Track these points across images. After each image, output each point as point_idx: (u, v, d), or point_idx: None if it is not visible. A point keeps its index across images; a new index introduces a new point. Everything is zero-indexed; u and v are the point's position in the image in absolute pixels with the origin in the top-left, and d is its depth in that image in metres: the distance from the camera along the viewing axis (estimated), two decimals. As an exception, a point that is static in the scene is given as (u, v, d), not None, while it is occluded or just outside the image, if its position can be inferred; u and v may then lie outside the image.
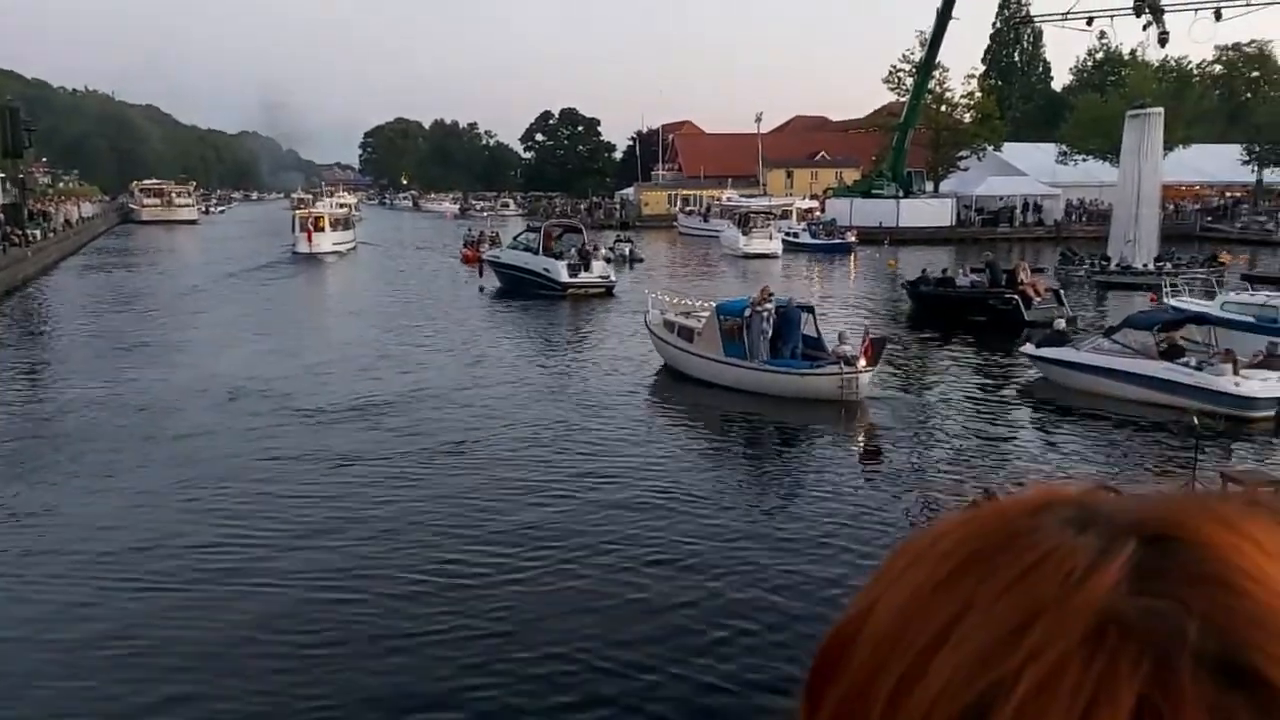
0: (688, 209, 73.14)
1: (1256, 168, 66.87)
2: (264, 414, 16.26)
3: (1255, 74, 76.82)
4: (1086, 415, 16.25)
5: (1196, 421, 11.21)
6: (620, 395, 18.16)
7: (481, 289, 35.03)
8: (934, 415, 16.91)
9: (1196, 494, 0.40)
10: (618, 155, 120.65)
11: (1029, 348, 19.07)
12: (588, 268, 32.98)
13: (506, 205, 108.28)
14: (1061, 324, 19.99)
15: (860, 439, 15.59)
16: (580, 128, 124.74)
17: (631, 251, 46.53)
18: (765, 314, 17.76)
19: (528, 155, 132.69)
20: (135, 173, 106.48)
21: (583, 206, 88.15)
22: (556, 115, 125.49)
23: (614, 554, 10.12)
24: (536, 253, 33.64)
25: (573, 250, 33.74)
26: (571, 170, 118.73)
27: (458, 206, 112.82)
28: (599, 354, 22.60)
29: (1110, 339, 17.70)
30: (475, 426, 15.49)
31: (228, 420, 15.92)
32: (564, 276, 32.23)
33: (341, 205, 67.51)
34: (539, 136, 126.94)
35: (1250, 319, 19.10)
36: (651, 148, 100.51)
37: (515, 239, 37.79)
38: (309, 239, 49.20)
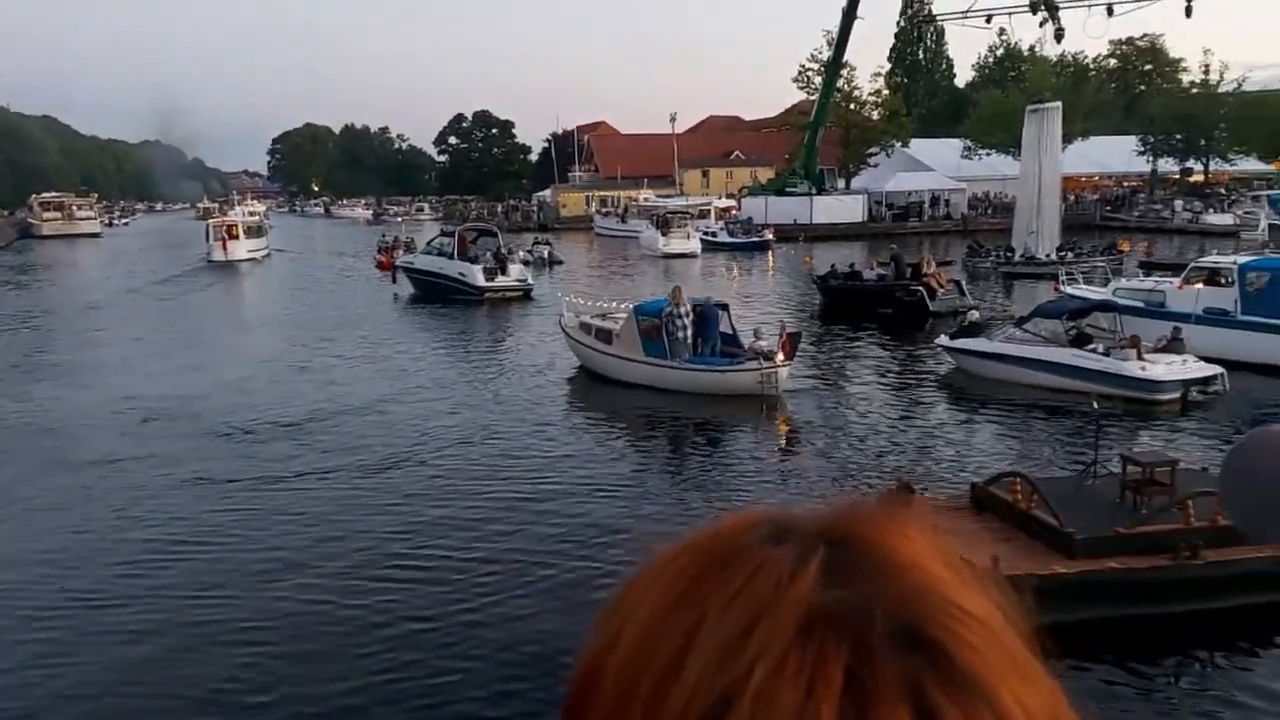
0: (604, 210, 73.14)
1: (1151, 158, 69.59)
2: (180, 436, 15.60)
3: (1148, 67, 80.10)
4: (1000, 403, 16.64)
5: (1096, 406, 11.56)
6: (542, 399, 18.04)
7: (395, 296, 34.52)
8: (853, 407, 17.16)
9: (862, 503, 0.50)
10: (533, 157, 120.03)
11: (943, 339, 19.49)
12: (504, 271, 32.71)
13: (421, 210, 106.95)
14: (975, 315, 20.48)
15: (782, 432, 15.74)
16: (494, 130, 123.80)
17: (550, 254, 46.34)
18: (684, 313, 17.81)
19: (441, 159, 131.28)
20: (33, 185, 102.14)
21: (499, 209, 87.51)
22: (470, 118, 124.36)
23: (544, 558, 10.00)
24: (451, 257, 33.23)
25: (488, 254, 33.44)
26: (487, 173, 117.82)
27: (370, 212, 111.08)
28: (518, 358, 22.41)
29: (1021, 328, 18.17)
30: (398, 438, 15.18)
31: (141, 443, 15.24)
32: (480, 281, 31.92)
33: (252, 214, 66.90)
34: (452, 139, 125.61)
35: (1141, 304, 19.77)
36: (567, 149, 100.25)
37: (429, 244, 37.31)
38: (224, 247, 49.72)
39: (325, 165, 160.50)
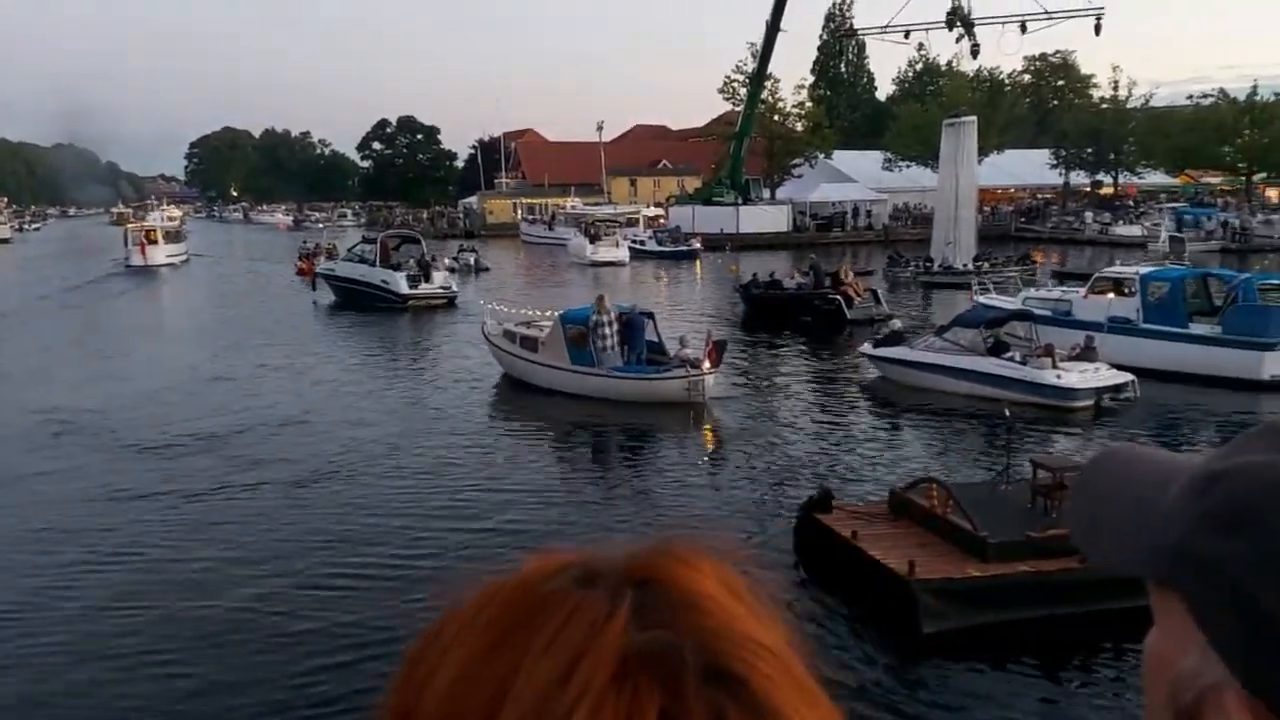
0: (531, 217, 72.87)
1: (1064, 171, 71.85)
2: (95, 450, 15.05)
3: (1060, 83, 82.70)
4: (920, 410, 16.97)
5: (1008, 414, 11.89)
6: (467, 408, 17.90)
7: (315, 303, 33.97)
8: (778, 414, 17.36)
9: (664, 541, 0.51)
10: (459, 163, 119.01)
11: (867, 347, 19.84)
12: (428, 278, 32.46)
13: (344, 216, 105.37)
14: (897, 324, 20.88)
15: (708, 440, 15.84)
16: (419, 135, 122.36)
17: (476, 261, 46.08)
18: (607, 321, 17.83)
19: (365, 164, 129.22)
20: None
21: (425, 215, 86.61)
22: (394, 123, 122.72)
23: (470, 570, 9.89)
24: (374, 264, 32.87)
25: (411, 261, 33.16)
26: (412, 179, 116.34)
27: (291, 218, 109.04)
28: (442, 367, 22.23)
29: (942, 337, 18.54)
30: (319, 450, 14.89)
31: (55, 458, 14.65)
32: (403, 288, 31.60)
33: (170, 219, 66.13)
34: (376, 145, 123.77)
35: (1049, 313, 20.36)
36: (494, 156, 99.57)
37: (351, 251, 36.94)
38: (143, 252, 49.41)
39: (244, 170, 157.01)
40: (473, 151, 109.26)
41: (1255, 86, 63.83)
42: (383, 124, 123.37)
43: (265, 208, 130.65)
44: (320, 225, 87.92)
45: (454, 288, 33.17)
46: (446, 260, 38.30)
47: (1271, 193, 68.76)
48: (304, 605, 9.16)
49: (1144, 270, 20.84)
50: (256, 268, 50.92)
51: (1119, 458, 0.70)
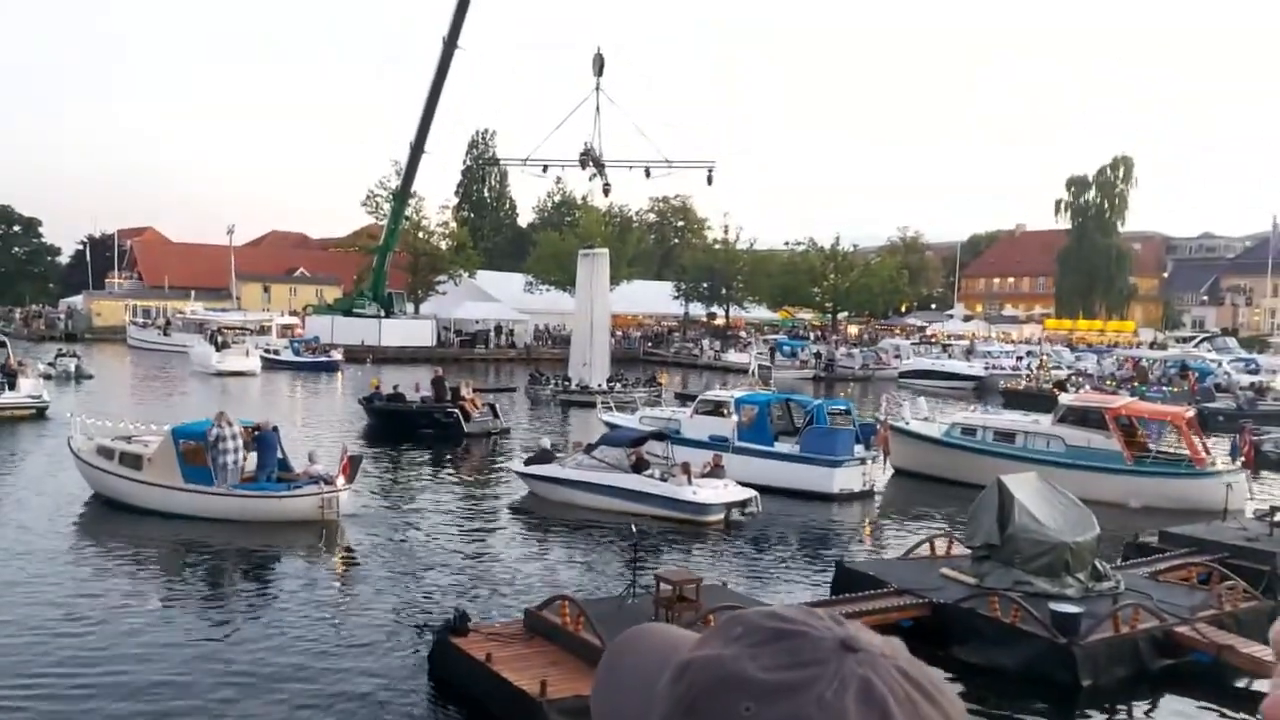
0: (143, 321, 67.01)
1: (684, 302, 78.63)
2: None
3: (680, 223, 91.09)
4: (566, 526, 17.37)
5: (634, 529, 12.56)
6: (56, 536, 15.78)
7: None
8: (418, 532, 16.93)
9: None
10: (64, 259, 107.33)
11: (517, 465, 20.17)
12: (13, 386, 28.86)
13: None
14: (546, 443, 21.48)
15: (342, 562, 15.14)
16: (16, 227, 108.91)
17: (78, 368, 41.32)
18: (230, 435, 16.68)
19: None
20: None
21: (18, 315, 76.59)
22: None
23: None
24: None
25: (-8, 367, 29.21)
26: (4, 274, 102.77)
27: None
28: (29, 488, 19.45)
29: (590, 455, 19.18)
30: None
31: None
32: (-20, 398, 27.65)
33: None
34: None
35: (662, 429, 21.90)
36: (106, 254, 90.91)
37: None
38: None
39: None
40: (81, 248, 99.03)
41: (838, 238, 74.27)
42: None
43: None
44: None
45: (46, 396, 29.64)
46: (41, 365, 34.33)
47: (853, 329, 79.62)
48: None
49: (738, 394, 23.13)
50: None
51: (635, 640, 0.78)
